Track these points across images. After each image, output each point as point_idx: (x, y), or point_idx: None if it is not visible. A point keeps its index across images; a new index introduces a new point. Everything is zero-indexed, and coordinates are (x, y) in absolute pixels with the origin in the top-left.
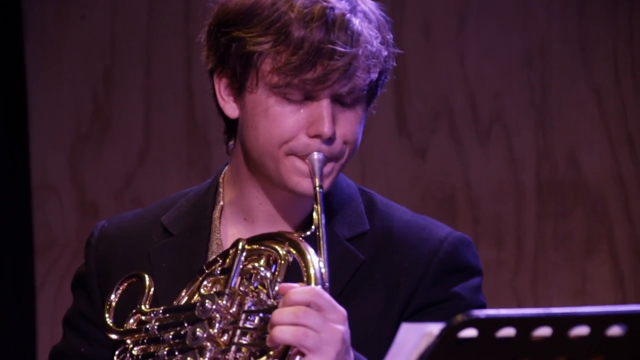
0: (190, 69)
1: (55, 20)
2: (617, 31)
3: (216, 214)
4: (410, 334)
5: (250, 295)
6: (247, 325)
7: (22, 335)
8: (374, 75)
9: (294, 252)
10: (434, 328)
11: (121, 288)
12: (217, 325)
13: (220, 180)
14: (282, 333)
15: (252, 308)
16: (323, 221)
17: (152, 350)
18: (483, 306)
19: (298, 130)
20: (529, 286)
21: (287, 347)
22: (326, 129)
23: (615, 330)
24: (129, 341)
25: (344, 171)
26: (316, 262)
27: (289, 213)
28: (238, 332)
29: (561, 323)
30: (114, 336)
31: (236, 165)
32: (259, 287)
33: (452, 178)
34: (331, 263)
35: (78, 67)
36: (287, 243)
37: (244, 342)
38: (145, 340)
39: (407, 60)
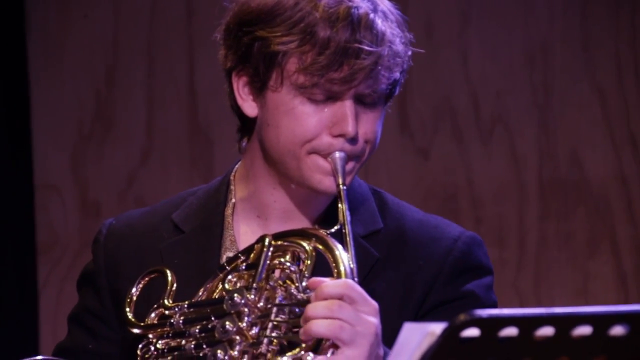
0: (192, 69)
1: (57, 20)
2: (620, 31)
3: (228, 210)
4: (412, 333)
5: (280, 290)
6: (278, 318)
7: (25, 334)
8: (397, 75)
9: (322, 248)
10: (437, 327)
11: (142, 282)
12: (245, 319)
13: (232, 178)
14: (318, 326)
15: (283, 302)
16: (349, 218)
17: (176, 344)
18: (495, 304)
19: (321, 130)
20: (532, 286)
21: (320, 340)
22: (350, 129)
23: (617, 330)
24: (151, 335)
25: None
26: (345, 258)
27: (303, 211)
28: (270, 325)
29: (564, 323)
30: (136, 330)
31: (250, 163)
32: (288, 282)
33: (455, 178)
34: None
35: (80, 66)
36: (314, 239)
37: (276, 335)
38: (170, 335)
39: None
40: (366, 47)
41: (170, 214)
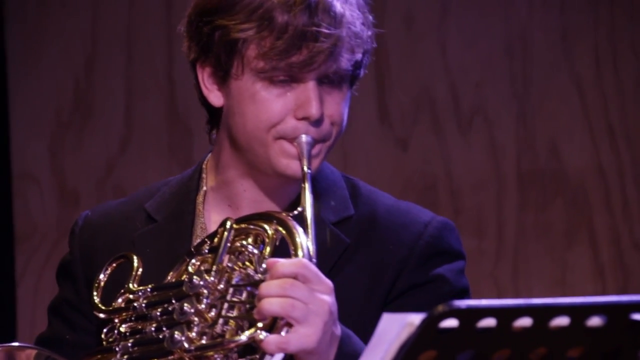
0: (171, 58)
1: (36, 9)
2: (599, 22)
3: (200, 199)
4: (391, 324)
5: (238, 271)
6: (234, 299)
7: (2, 324)
8: (358, 56)
9: (282, 230)
10: (415, 318)
11: (110, 268)
12: (204, 300)
13: (204, 166)
14: (270, 305)
15: (240, 282)
16: (311, 201)
17: (139, 327)
18: (466, 288)
19: (285, 113)
20: (510, 276)
21: (275, 319)
22: (314, 111)
23: (595, 321)
24: (116, 320)
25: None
26: (304, 239)
27: (274, 199)
28: (225, 305)
29: (541, 313)
30: (102, 315)
31: (219, 153)
32: (247, 263)
33: (434, 168)
34: (317, 247)
35: (59, 55)
36: (275, 221)
37: (232, 315)
38: (133, 318)
39: (388, 50)
40: (324, 30)
41: (144, 204)
